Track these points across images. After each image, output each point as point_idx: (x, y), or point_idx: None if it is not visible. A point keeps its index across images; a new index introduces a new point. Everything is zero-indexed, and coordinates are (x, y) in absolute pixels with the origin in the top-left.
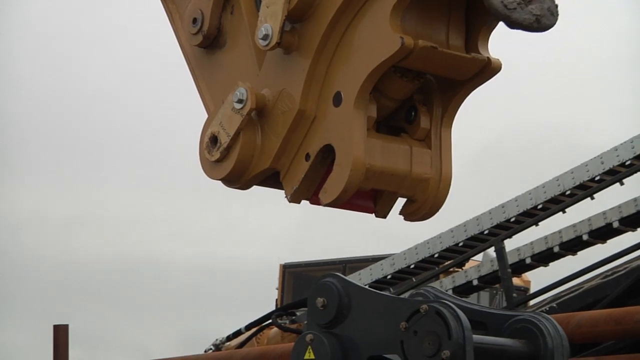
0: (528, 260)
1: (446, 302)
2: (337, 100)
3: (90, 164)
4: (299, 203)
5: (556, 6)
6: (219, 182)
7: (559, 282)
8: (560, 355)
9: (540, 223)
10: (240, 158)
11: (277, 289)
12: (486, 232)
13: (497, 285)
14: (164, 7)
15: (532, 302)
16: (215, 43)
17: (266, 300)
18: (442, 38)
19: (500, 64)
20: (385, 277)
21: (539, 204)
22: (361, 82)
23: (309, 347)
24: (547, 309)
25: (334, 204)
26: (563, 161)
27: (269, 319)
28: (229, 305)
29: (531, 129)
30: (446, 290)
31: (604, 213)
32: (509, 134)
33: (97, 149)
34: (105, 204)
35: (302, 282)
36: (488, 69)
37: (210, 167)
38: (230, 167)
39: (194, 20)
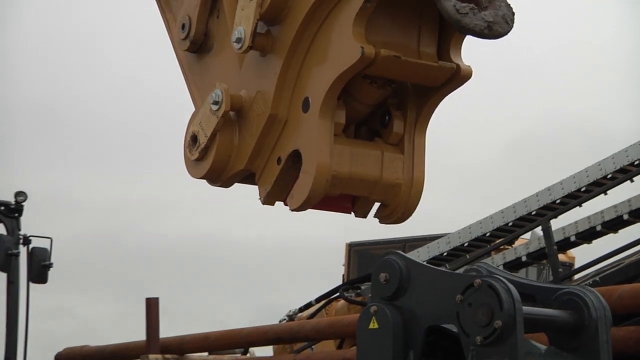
0: (572, 238)
1: (498, 276)
2: (305, 106)
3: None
4: (273, 205)
5: (513, 14)
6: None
7: (601, 258)
8: (603, 325)
9: (583, 204)
10: (216, 159)
11: (343, 265)
12: (534, 212)
13: (544, 261)
14: (162, 16)
15: (576, 277)
16: (203, 47)
17: (333, 276)
18: (413, 45)
19: (471, 71)
20: (442, 254)
21: (582, 187)
22: (326, 90)
23: (373, 317)
24: (591, 282)
25: (301, 209)
26: (595, 149)
27: (337, 293)
28: (300, 281)
29: (563, 118)
30: (497, 266)
31: None
32: (542, 123)
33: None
34: (185, 191)
35: (365, 259)
36: (458, 77)
37: (191, 165)
38: (207, 166)
39: (183, 26)
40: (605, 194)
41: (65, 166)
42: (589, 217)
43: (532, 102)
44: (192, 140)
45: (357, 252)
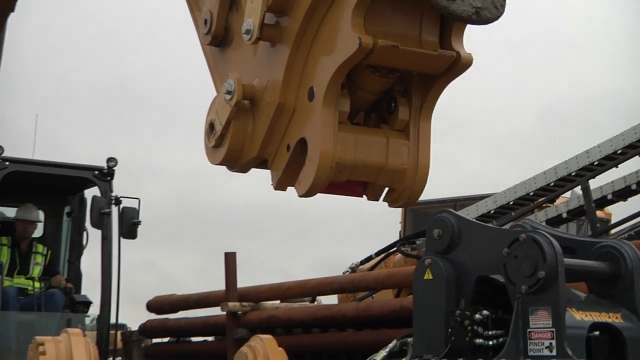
0: (609, 197)
1: (541, 231)
2: (311, 95)
3: None
4: (284, 190)
5: None
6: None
7: (636, 214)
8: (638, 275)
9: (619, 165)
10: (231, 146)
11: (400, 223)
12: (573, 173)
13: (583, 218)
14: (191, 16)
15: (613, 231)
16: (224, 41)
17: (391, 233)
18: (415, 34)
19: (471, 59)
20: (489, 212)
21: (618, 149)
22: (328, 80)
23: (428, 269)
24: (627, 236)
25: (307, 195)
26: (618, 118)
27: (395, 247)
28: (360, 238)
29: (589, 90)
30: (540, 223)
31: None
32: (571, 95)
33: None
34: None
35: (420, 217)
36: (458, 64)
37: (209, 152)
38: (224, 153)
39: (205, 22)
40: None
41: (148, 135)
42: (624, 177)
43: (563, 75)
44: (209, 128)
45: (413, 211)
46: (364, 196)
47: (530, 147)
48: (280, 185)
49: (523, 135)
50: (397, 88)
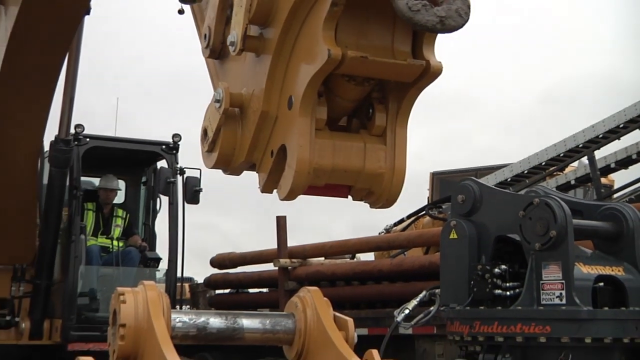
0: (612, 165)
1: (552, 196)
2: (290, 103)
3: None
4: (271, 193)
5: (468, 7)
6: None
7: (636, 180)
8: (638, 233)
9: (621, 138)
10: (222, 151)
11: (427, 190)
12: (581, 145)
13: (589, 184)
14: (197, 31)
15: (615, 196)
16: (222, 54)
17: (420, 199)
18: (388, 44)
19: (441, 68)
20: (506, 180)
21: (620, 124)
22: (303, 89)
23: (453, 229)
24: (628, 200)
25: (288, 198)
26: (610, 98)
27: (424, 211)
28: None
29: (588, 72)
30: (551, 189)
31: None
32: (571, 76)
33: None
34: None
35: (446, 185)
36: (428, 73)
37: (204, 156)
38: (215, 158)
39: (205, 36)
40: None
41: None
42: (626, 148)
43: (562, 58)
44: (203, 134)
45: (439, 179)
46: (350, 197)
47: (534, 123)
48: (266, 188)
49: (527, 113)
50: (374, 95)
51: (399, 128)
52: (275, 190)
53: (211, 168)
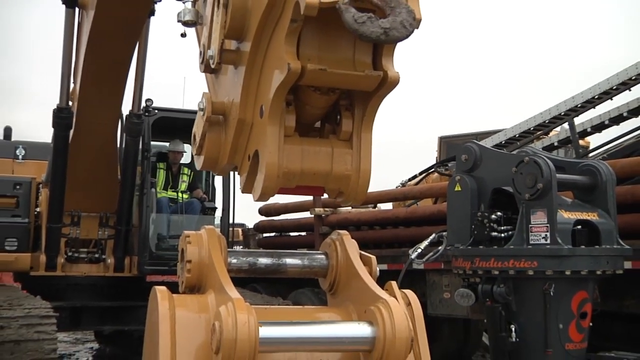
0: (588, 129)
1: (539, 155)
2: (261, 112)
3: None
4: (250, 193)
5: (413, 18)
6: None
7: (608, 142)
8: (610, 185)
9: (596, 107)
10: (207, 155)
11: (436, 151)
12: (562, 113)
13: (569, 145)
14: (199, 45)
15: (591, 155)
16: (215, 68)
17: (429, 159)
18: (349, 56)
19: (398, 78)
20: (501, 142)
21: (595, 95)
22: (270, 100)
23: (457, 183)
24: (602, 158)
25: (261, 200)
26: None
27: (433, 169)
28: (408, 162)
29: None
30: (538, 149)
31: (637, 99)
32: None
33: None
34: None
35: (451, 146)
36: (386, 83)
37: (195, 158)
38: (202, 161)
39: (200, 53)
40: (611, 99)
41: None
42: (599, 115)
43: (543, 42)
44: (193, 138)
45: (445, 142)
46: (325, 195)
47: (520, 97)
48: (245, 189)
49: (514, 89)
50: (342, 102)
51: (364, 133)
52: None
53: (200, 169)
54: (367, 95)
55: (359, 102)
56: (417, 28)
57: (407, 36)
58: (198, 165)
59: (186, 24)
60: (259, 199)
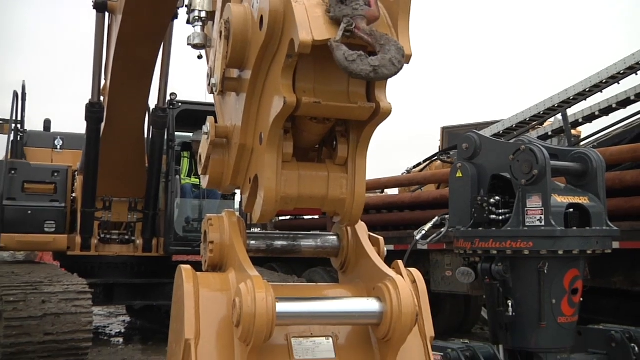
0: (580, 120)
1: (535, 143)
2: (260, 139)
3: None
4: (251, 212)
5: (402, 55)
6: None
7: (598, 132)
8: (600, 171)
9: (587, 99)
10: (212, 175)
11: (439, 141)
12: (556, 105)
13: (562, 135)
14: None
15: (582, 143)
16: (222, 91)
17: (433, 147)
18: (343, 88)
19: (390, 109)
20: (499, 132)
21: (587, 88)
22: (268, 129)
23: (459, 170)
24: (592, 146)
25: (260, 221)
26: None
27: (436, 157)
28: (413, 151)
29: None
30: (533, 138)
31: (625, 92)
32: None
33: None
34: None
35: (453, 136)
36: (378, 114)
37: (202, 177)
38: (207, 180)
39: (208, 76)
40: (602, 92)
41: None
42: (590, 107)
43: (542, 38)
44: (199, 159)
45: (448, 132)
46: (325, 214)
47: (520, 87)
48: (247, 208)
49: (513, 80)
50: (338, 129)
51: (358, 158)
52: None
53: (206, 188)
54: (362, 123)
55: (354, 129)
56: (408, 63)
57: (396, 73)
58: (204, 184)
59: (195, 47)
60: (259, 221)
